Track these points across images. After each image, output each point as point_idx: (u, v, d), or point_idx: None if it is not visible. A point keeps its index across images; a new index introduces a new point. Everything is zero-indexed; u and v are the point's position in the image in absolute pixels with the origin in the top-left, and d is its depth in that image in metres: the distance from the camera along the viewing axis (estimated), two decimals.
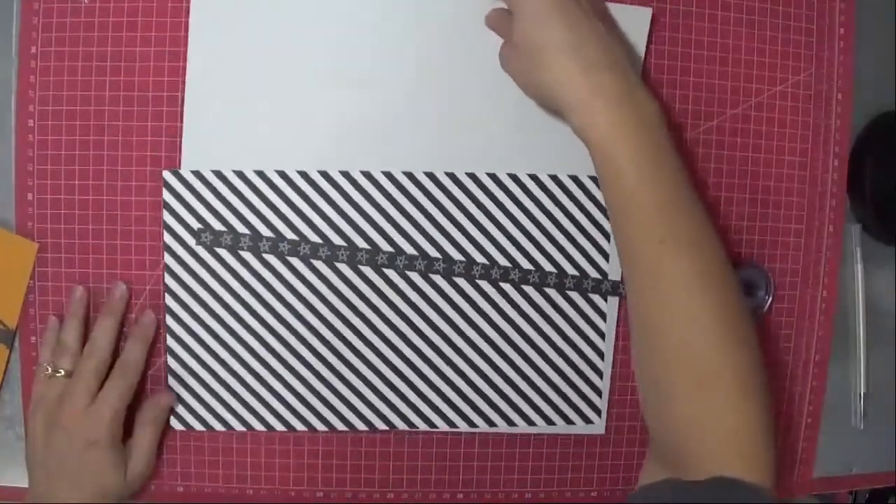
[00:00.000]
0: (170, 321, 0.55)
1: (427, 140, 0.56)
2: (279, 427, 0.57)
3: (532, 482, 0.60)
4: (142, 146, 0.55)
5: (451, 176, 0.56)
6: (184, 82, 0.54)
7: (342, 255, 0.56)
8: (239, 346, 0.56)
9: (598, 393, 0.59)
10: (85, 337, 0.54)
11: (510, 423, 0.58)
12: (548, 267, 0.57)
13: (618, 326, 0.59)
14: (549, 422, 0.59)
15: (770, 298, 0.60)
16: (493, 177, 0.56)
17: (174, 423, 0.56)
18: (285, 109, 0.55)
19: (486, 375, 0.58)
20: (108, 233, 0.55)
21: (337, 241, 0.56)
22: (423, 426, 0.58)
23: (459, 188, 0.56)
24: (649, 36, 0.57)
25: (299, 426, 0.57)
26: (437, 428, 0.58)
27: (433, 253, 0.56)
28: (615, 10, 0.55)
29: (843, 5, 0.60)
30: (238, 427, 0.57)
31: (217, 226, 0.55)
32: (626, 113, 0.46)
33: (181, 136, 0.55)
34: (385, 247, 0.56)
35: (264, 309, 0.56)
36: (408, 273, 0.56)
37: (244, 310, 0.56)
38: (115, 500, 0.52)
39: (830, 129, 0.61)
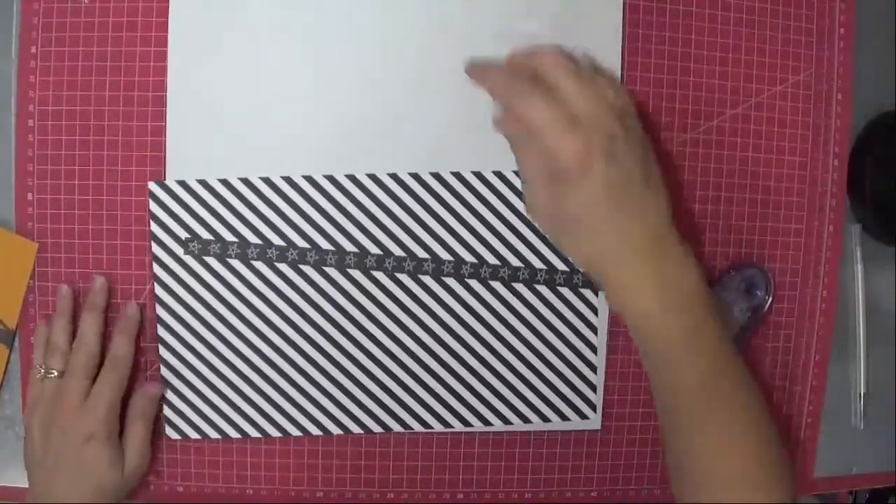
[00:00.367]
0: (161, 331, 0.56)
1: (411, 141, 0.56)
2: (274, 433, 0.57)
3: (532, 482, 0.60)
4: (142, 146, 0.55)
5: (437, 176, 0.56)
6: None
7: (330, 259, 0.56)
8: (231, 354, 0.56)
9: (593, 388, 0.59)
10: (72, 335, 0.54)
11: (506, 421, 0.58)
12: (537, 264, 0.57)
13: (611, 322, 0.59)
14: (545, 418, 0.59)
15: (770, 298, 0.60)
16: (478, 175, 0.56)
17: (169, 432, 0.56)
18: (269, 116, 0.55)
19: (479, 374, 0.58)
20: (108, 232, 0.55)
21: (325, 245, 0.56)
22: (418, 427, 0.58)
23: (445, 187, 0.56)
24: (647, 36, 0.57)
25: (294, 431, 0.57)
26: (432, 429, 0.58)
27: (421, 254, 0.56)
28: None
29: (843, 5, 0.60)
30: (233, 434, 0.57)
31: (204, 235, 0.55)
32: (663, 297, 0.45)
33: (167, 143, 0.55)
34: (373, 249, 0.56)
35: (255, 316, 0.56)
36: (396, 275, 0.56)
37: (235, 317, 0.56)
38: (112, 499, 0.52)
39: (830, 129, 0.61)
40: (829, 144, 0.61)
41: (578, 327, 0.58)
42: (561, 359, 0.58)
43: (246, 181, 0.55)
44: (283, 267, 0.56)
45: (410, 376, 0.57)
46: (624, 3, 0.57)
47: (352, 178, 0.56)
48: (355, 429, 0.57)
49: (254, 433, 0.57)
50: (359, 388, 0.57)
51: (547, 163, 0.44)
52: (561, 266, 0.57)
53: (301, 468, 0.58)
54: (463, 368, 0.57)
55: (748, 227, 0.60)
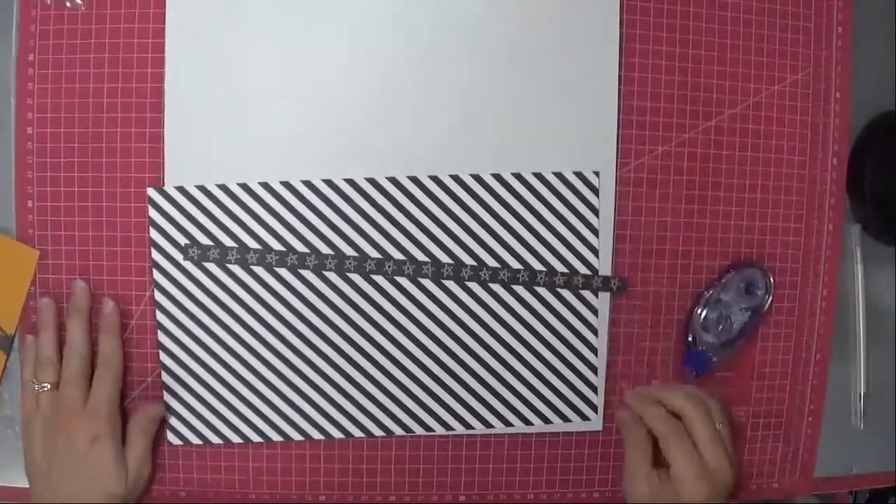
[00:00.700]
0: (161, 337, 0.56)
1: (410, 145, 0.56)
2: (276, 437, 0.57)
3: (533, 483, 0.60)
4: (140, 152, 0.55)
5: (435, 179, 0.56)
6: None
7: (330, 263, 0.56)
8: (232, 359, 0.56)
9: (594, 389, 0.59)
10: (61, 345, 0.54)
11: (507, 423, 0.58)
12: (537, 265, 0.57)
13: (611, 323, 0.59)
14: (546, 420, 0.59)
15: (770, 298, 0.60)
16: (476, 178, 0.56)
17: (171, 437, 0.57)
18: (266, 121, 0.55)
19: (480, 377, 0.58)
20: (107, 239, 0.55)
21: (324, 249, 0.56)
22: (419, 430, 0.58)
23: (444, 191, 0.56)
24: (646, 36, 0.57)
25: (296, 435, 0.57)
26: (433, 431, 0.58)
27: (421, 257, 0.56)
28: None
29: (840, 4, 0.60)
30: (235, 439, 0.57)
31: (204, 240, 0.55)
32: None
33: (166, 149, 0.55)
34: (373, 253, 0.56)
35: (255, 321, 0.56)
36: (396, 278, 0.56)
37: (235, 322, 0.56)
38: None
39: (829, 128, 0.61)
40: (828, 144, 0.61)
41: (579, 329, 0.58)
42: (562, 360, 0.58)
43: (244, 186, 0.55)
44: (282, 272, 0.56)
45: (411, 379, 0.57)
46: (622, 3, 0.57)
47: (350, 182, 0.56)
48: (357, 432, 0.57)
49: (255, 438, 0.57)
50: (360, 391, 0.57)
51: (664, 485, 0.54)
52: (560, 268, 0.58)
53: (302, 472, 0.58)
54: (464, 371, 0.58)
55: (748, 227, 0.60)
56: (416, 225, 0.56)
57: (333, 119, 0.56)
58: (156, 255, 0.55)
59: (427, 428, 0.58)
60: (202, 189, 0.55)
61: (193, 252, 0.55)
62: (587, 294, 0.58)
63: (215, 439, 0.56)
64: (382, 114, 0.56)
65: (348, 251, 0.56)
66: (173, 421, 0.56)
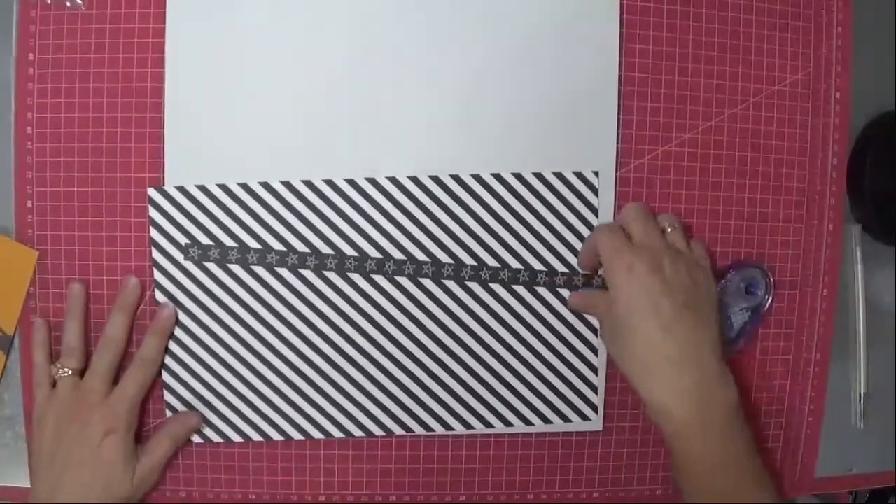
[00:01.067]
0: None
1: (410, 145, 0.56)
2: (276, 437, 0.57)
3: (534, 483, 0.60)
4: (140, 152, 0.55)
5: (436, 179, 0.56)
6: None
7: (330, 263, 0.56)
8: (232, 359, 0.56)
9: (594, 389, 0.59)
10: (85, 335, 0.54)
11: (507, 423, 0.58)
12: (536, 265, 0.57)
13: None
14: (546, 420, 0.59)
15: (770, 298, 0.60)
16: (477, 177, 0.56)
17: None
18: (267, 120, 0.55)
19: (480, 377, 0.58)
20: (107, 239, 0.55)
21: (324, 249, 0.56)
22: (419, 430, 0.58)
23: (444, 190, 0.56)
24: (646, 36, 0.57)
25: (296, 435, 0.57)
26: (434, 431, 0.58)
27: (421, 257, 0.56)
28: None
29: (840, 4, 0.60)
30: (236, 438, 0.57)
31: (204, 240, 0.55)
32: (696, 414, 0.50)
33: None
34: (373, 253, 0.56)
35: (255, 321, 0.56)
36: (397, 278, 0.56)
37: (236, 322, 0.56)
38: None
39: (829, 128, 0.61)
40: (828, 144, 0.61)
41: (579, 329, 0.58)
42: (561, 360, 0.58)
43: (245, 186, 0.55)
44: (282, 271, 0.56)
45: (411, 379, 0.57)
46: (622, 3, 0.57)
47: (351, 181, 0.56)
48: (357, 432, 0.57)
49: (256, 437, 0.57)
50: (360, 391, 0.57)
51: (607, 278, 0.53)
52: (561, 268, 0.57)
53: (302, 472, 0.58)
54: (464, 371, 0.58)
55: (748, 227, 0.60)
56: (417, 224, 0.56)
57: (333, 119, 0.56)
58: (156, 255, 0.55)
59: (427, 428, 0.58)
60: (202, 189, 0.55)
61: (194, 252, 0.55)
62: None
63: (216, 438, 0.56)
64: (383, 113, 0.56)
65: (349, 251, 0.56)
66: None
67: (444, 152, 0.56)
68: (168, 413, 0.56)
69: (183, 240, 0.55)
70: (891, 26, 0.62)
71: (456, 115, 0.56)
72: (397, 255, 0.56)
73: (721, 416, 0.50)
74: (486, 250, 0.57)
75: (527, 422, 0.59)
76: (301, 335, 0.56)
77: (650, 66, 0.58)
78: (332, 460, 0.58)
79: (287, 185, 0.55)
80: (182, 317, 0.55)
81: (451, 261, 0.57)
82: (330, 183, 0.55)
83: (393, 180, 0.56)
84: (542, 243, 0.57)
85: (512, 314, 0.57)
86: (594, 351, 0.59)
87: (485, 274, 0.57)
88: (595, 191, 0.57)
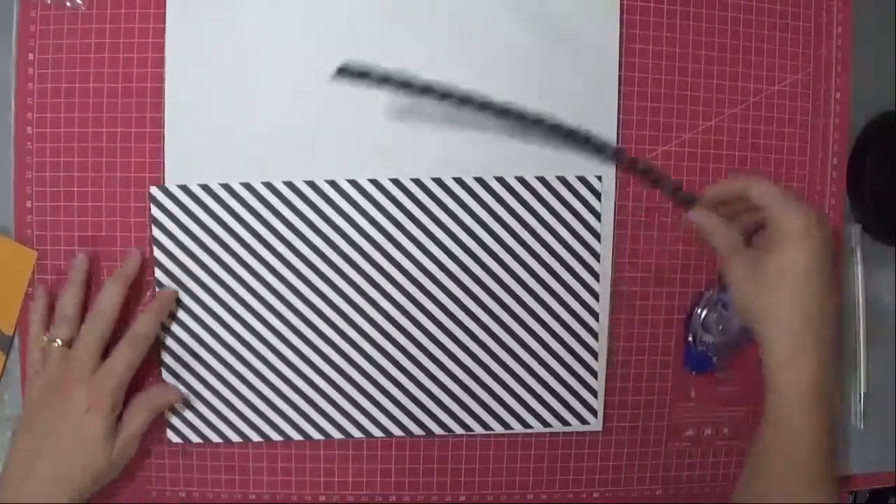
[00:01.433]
0: (162, 335, 0.56)
1: (414, 147, 0.56)
2: (275, 437, 0.57)
3: (533, 483, 0.60)
4: (140, 152, 0.55)
5: (438, 181, 0.56)
6: None
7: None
8: (232, 358, 0.56)
9: (594, 393, 0.59)
10: (82, 307, 0.54)
11: (506, 426, 0.58)
12: (538, 269, 0.57)
13: (611, 325, 0.59)
14: (546, 424, 0.59)
15: None
16: (480, 180, 0.56)
17: (171, 435, 0.56)
18: (268, 120, 0.55)
19: (479, 379, 0.58)
20: (107, 239, 0.55)
21: (326, 250, 0.56)
22: (418, 431, 0.58)
23: (446, 192, 0.56)
24: (646, 36, 0.57)
25: (295, 435, 0.57)
26: (433, 433, 0.58)
27: (422, 258, 0.56)
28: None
29: (840, 4, 0.60)
30: (234, 438, 0.57)
31: (206, 239, 0.55)
32: (812, 390, 0.49)
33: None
34: (374, 254, 0.56)
35: (256, 320, 0.56)
36: (398, 279, 0.56)
37: (236, 322, 0.56)
38: (94, 481, 0.51)
39: (829, 128, 0.61)
40: (828, 144, 0.61)
41: (579, 332, 0.58)
42: (562, 364, 0.58)
43: (248, 185, 0.55)
44: (283, 271, 0.56)
45: (411, 381, 0.57)
46: (622, 3, 0.57)
47: (353, 182, 0.56)
48: (356, 433, 0.57)
49: (255, 437, 0.57)
50: (360, 392, 0.57)
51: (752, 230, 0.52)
52: (561, 271, 0.57)
53: (302, 472, 0.58)
54: (463, 373, 0.57)
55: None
56: (418, 226, 0.56)
57: (334, 119, 0.56)
58: (157, 254, 0.55)
59: (426, 430, 0.58)
60: (205, 188, 0.55)
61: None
62: (588, 297, 0.58)
63: (215, 438, 0.56)
64: (384, 116, 0.56)
65: (350, 252, 0.56)
66: (174, 419, 0.56)
67: (444, 153, 0.56)
68: (167, 412, 0.56)
69: (184, 238, 0.55)
70: (891, 26, 0.62)
71: (463, 120, 0.56)
72: (398, 255, 0.56)
73: (827, 392, 0.50)
74: (487, 253, 0.57)
75: (526, 425, 0.59)
76: (301, 335, 0.56)
77: (650, 66, 0.58)
78: (332, 460, 0.58)
79: (289, 184, 0.55)
80: (182, 315, 0.55)
81: (452, 263, 0.57)
82: (332, 184, 0.55)
83: (395, 182, 0.56)
84: (543, 246, 0.57)
85: (512, 317, 0.57)
86: (594, 355, 0.59)
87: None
88: (598, 195, 0.57)
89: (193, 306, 0.55)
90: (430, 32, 0.56)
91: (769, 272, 0.49)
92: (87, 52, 0.54)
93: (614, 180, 0.58)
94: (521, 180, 0.57)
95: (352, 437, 0.57)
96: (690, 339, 0.59)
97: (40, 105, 0.54)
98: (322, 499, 0.58)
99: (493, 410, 0.58)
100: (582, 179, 0.57)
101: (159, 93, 0.54)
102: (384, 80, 0.52)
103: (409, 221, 0.56)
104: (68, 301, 0.53)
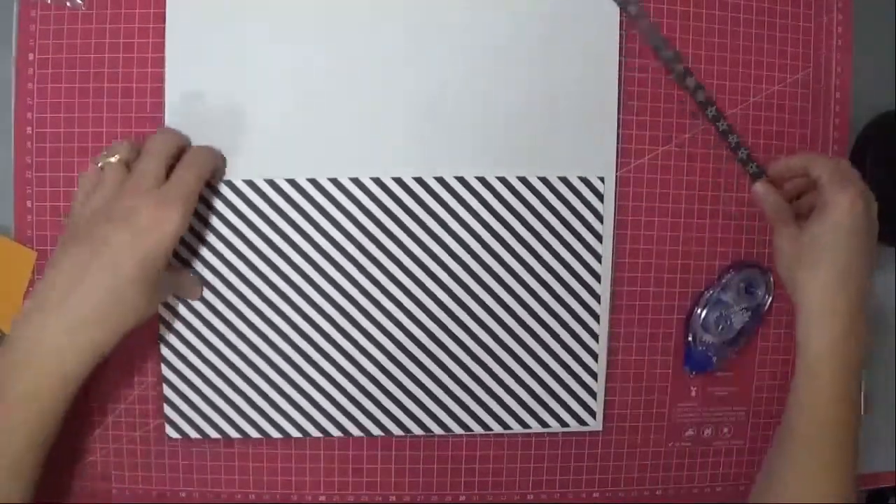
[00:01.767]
0: (162, 330, 0.56)
1: (411, 145, 0.56)
2: (274, 433, 0.57)
3: (533, 483, 0.60)
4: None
5: (440, 180, 0.56)
6: None
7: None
8: (232, 353, 0.56)
9: (593, 395, 0.59)
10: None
11: (505, 426, 0.58)
12: (539, 269, 0.57)
13: (611, 325, 0.59)
14: (545, 425, 0.59)
15: (770, 298, 0.60)
16: (481, 179, 0.56)
17: (170, 430, 0.57)
18: (268, 121, 0.55)
19: (479, 379, 0.58)
20: None
21: (327, 247, 0.56)
22: (417, 431, 0.58)
23: (448, 191, 0.56)
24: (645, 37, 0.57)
25: (294, 432, 0.57)
26: (431, 432, 0.58)
27: (423, 256, 0.56)
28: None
29: (840, 4, 0.60)
30: (233, 434, 0.57)
31: (205, 234, 0.55)
32: (844, 362, 0.51)
33: None
34: (374, 250, 0.56)
35: (256, 316, 0.56)
36: (398, 277, 0.56)
37: (235, 317, 0.56)
38: (153, 274, 0.47)
39: (829, 127, 0.61)
40: (828, 143, 0.61)
41: (580, 333, 0.58)
42: (562, 365, 0.58)
43: (250, 182, 0.55)
44: (283, 266, 0.56)
45: (410, 379, 0.57)
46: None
47: (355, 181, 0.56)
48: (355, 431, 0.57)
49: (254, 433, 0.57)
50: (359, 390, 0.57)
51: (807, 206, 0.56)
52: (563, 273, 0.57)
53: (302, 472, 0.58)
54: (463, 373, 0.58)
55: (748, 227, 0.60)
56: (420, 225, 0.56)
57: (335, 117, 0.56)
58: None
59: (425, 429, 0.58)
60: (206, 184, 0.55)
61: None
62: (589, 299, 0.58)
63: (213, 434, 0.57)
64: (383, 114, 0.56)
65: (351, 249, 0.56)
66: (171, 414, 0.56)
67: (444, 152, 0.56)
68: (166, 407, 0.56)
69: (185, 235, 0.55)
70: (891, 26, 0.62)
71: (456, 116, 0.56)
72: (397, 252, 0.56)
73: (856, 367, 0.52)
74: (489, 252, 0.57)
75: (524, 425, 0.59)
76: (301, 332, 0.56)
77: (649, 66, 0.58)
78: (332, 460, 0.58)
79: (292, 182, 0.55)
80: (182, 310, 0.56)
81: (453, 261, 0.57)
82: (335, 182, 0.55)
83: (398, 181, 0.56)
84: (545, 247, 0.57)
85: (512, 316, 0.58)
86: (594, 356, 0.59)
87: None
88: (601, 197, 0.57)
89: (193, 301, 0.56)
90: (430, 34, 0.56)
91: (813, 234, 0.53)
92: (87, 52, 0.54)
93: (614, 176, 0.58)
94: (524, 180, 0.57)
95: (350, 434, 0.57)
96: (690, 339, 0.59)
97: (40, 105, 0.55)
98: (322, 499, 0.58)
99: (491, 410, 0.58)
100: (584, 180, 0.57)
101: (159, 93, 0.54)
102: None
103: (409, 219, 0.56)
104: (120, 145, 0.50)
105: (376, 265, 0.56)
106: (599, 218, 0.58)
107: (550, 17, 0.57)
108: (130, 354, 0.56)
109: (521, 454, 0.59)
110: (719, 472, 0.61)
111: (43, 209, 0.55)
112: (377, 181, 0.56)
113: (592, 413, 0.59)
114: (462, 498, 0.59)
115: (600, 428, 0.60)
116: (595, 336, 0.58)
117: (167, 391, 0.56)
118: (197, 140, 0.54)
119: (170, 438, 0.57)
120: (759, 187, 0.57)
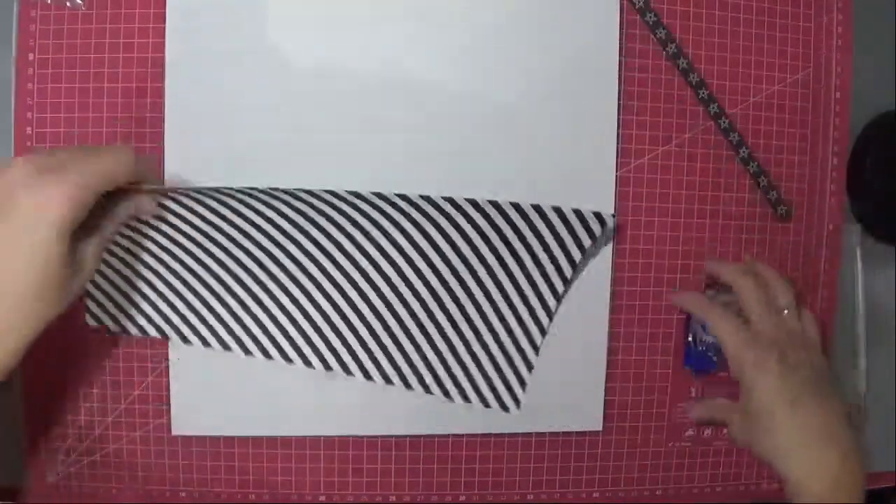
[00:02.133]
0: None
1: (406, 154, 0.56)
2: (259, 355, 0.56)
3: (533, 483, 0.60)
4: (140, 153, 0.55)
5: (427, 199, 0.53)
6: None
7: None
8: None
9: (522, 384, 0.57)
10: None
11: (447, 394, 0.57)
12: (516, 299, 0.56)
13: (611, 325, 0.59)
14: (466, 399, 0.57)
15: None
16: (471, 202, 0.53)
17: (89, 319, 0.55)
18: (268, 124, 0.55)
19: (433, 340, 0.57)
20: None
21: (318, 255, 0.55)
22: (378, 379, 0.56)
23: (438, 211, 0.54)
24: (645, 36, 0.57)
25: (255, 351, 0.56)
26: (392, 383, 0.57)
27: (411, 276, 0.55)
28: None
29: (840, 4, 0.60)
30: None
31: (206, 231, 0.55)
32: (833, 487, 0.51)
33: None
34: (364, 263, 0.55)
35: (257, 310, 0.56)
36: (386, 294, 0.55)
37: (212, 243, 0.54)
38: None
39: (829, 127, 0.61)
40: (828, 143, 0.61)
41: (528, 323, 0.57)
42: (500, 346, 0.57)
43: (250, 188, 0.55)
44: (275, 270, 0.55)
45: (381, 324, 0.56)
46: (622, 3, 0.57)
47: (355, 194, 0.53)
48: (316, 363, 0.56)
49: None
50: (326, 322, 0.56)
51: (734, 373, 0.55)
52: (516, 299, 0.57)
53: (302, 472, 0.58)
54: (419, 331, 0.56)
55: (748, 227, 0.60)
56: (409, 241, 0.54)
57: (336, 122, 0.55)
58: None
59: (386, 379, 0.57)
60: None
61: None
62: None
63: (134, 331, 0.55)
64: (383, 120, 0.56)
65: (342, 260, 0.55)
66: (90, 304, 0.54)
67: (444, 155, 0.56)
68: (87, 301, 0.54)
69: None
70: (891, 26, 0.62)
71: (454, 118, 0.56)
72: (389, 270, 0.55)
73: (856, 487, 0.51)
74: (472, 276, 0.55)
75: (463, 395, 0.57)
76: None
77: (649, 66, 0.58)
78: (332, 460, 0.58)
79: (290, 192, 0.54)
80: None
81: (455, 278, 0.55)
82: (333, 193, 0.54)
83: (403, 197, 0.54)
84: (526, 277, 0.56)
85: (469, 295, 0.56)
86: (536, 349, 0.57)
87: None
88: (594, 237, 0.55)
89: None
90: (430, 36, 0.56)
91: (751, 423, 0.54)
92: (87, 52, 0.54)
93: (613, 175, 0.58)
94: (517, 207, 0.54)
95: (310, 364, 0.56)
96: (690, 339, 0.59)
97: (40, 105, 0.55)
98: (322, 499, 0.58)
99: (436, 373, 0.57)
100: (577, 213, 0.54)
101: (159, 93, 0.55)
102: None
103: (402, 238, 0.54)
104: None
105: (363, 276, 0.55)
106: (599, 220, 0.57)
107: (550, 17, 0.57)
108: (131, 354, 0.56)
109: (521, 454, 0.59)
110: (719, 472, 0.61)
111: None
112: (379, 195, 0.53)
113: (517, 401, 0.58)
114: (462, 498, 0.59)
115: (600, 428, 0.60)
116: (543, 331, 0.57)
117: (174, 387, 0.56)
118: (197, 141, 0.54)
119: (170, 439, 0.57)
120: (694, 413, 0.60)
